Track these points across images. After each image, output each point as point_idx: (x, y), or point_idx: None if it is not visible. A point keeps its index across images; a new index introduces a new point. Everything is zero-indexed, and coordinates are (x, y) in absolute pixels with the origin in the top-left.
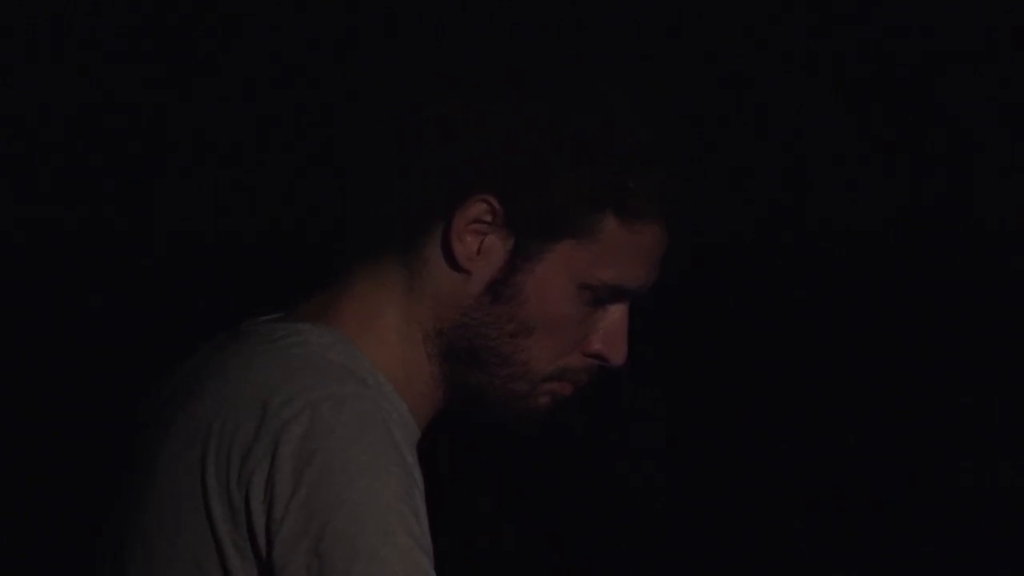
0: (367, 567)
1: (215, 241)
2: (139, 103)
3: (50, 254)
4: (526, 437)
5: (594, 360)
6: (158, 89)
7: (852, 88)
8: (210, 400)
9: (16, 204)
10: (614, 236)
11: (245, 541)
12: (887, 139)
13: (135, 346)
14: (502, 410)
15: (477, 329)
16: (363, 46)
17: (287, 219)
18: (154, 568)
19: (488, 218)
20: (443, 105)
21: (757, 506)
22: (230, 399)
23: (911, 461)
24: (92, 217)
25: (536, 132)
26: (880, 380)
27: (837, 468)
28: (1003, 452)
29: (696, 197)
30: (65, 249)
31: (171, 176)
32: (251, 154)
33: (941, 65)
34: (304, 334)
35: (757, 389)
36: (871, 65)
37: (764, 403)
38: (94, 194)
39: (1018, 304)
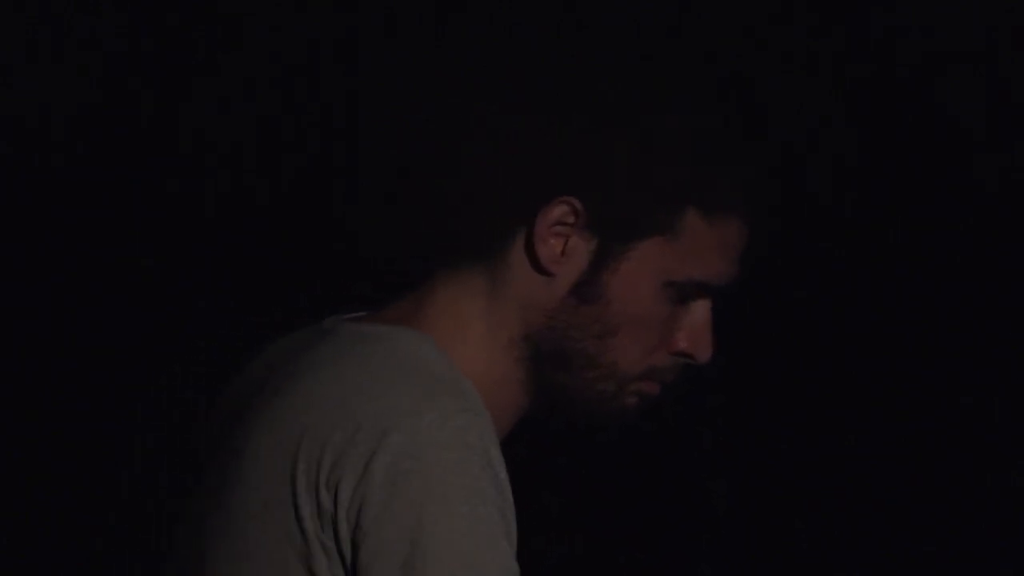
0: None
1: (215, 241)
2: (139, 103)
3: (50, 254)
4: (590, 442)
5: (680, 358)
6: (158, 89)
7: (852, 88)
8: (302, 400)
9: (16, 204)
10: (697, 231)
11: (331, 542)
12: (887, 139)
13: (135, 346)
14: (590, 412)
15: (563, 331)
16: (431, 49)
17: (287, 219)
18: (235, 562)
19: (571, 219)
20: (520, 108)
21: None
22: (324, 401)
23: (914, 461)
24: (92, 217)
25: (615, 131)
26: (883, 380)
27: (865, 468)
28: (1003, 452)
29: (773, 188)
30: (65, 249)
31: (171, 176)
32: (251, 154)
33: (941, 65)
34: (396, 339)
35: (758, 389)
36: (871, 65)
37: (764, 404)
38: (94, 194)
39: (1018, 304)
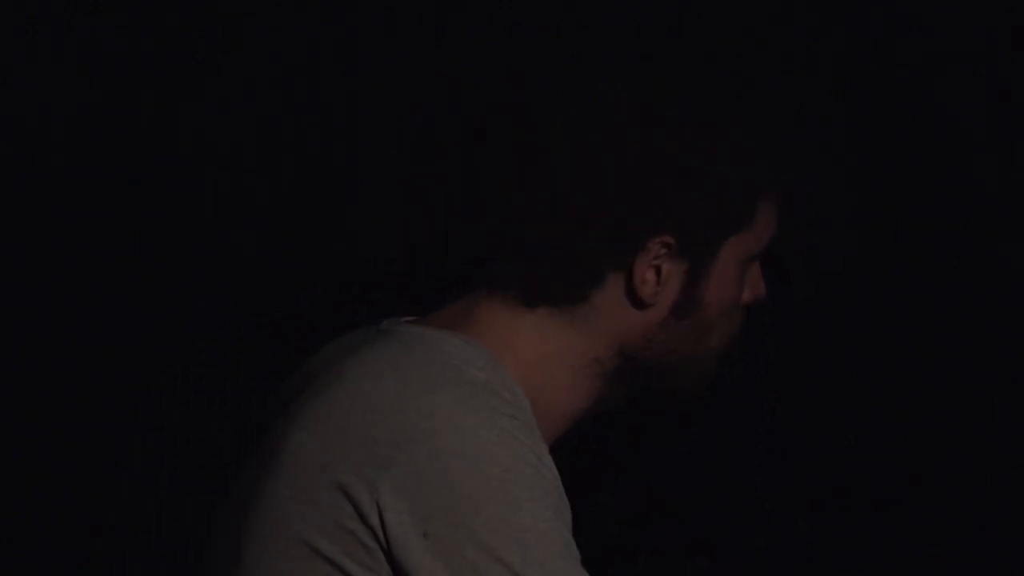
0: None
1: (215, 241)
2: (139, 103)
3: (50, 254)
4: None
5: (747, 307)
6: (158, 89)
7: (852, 88)
8: (343, 400)
9: (16, 204)
10: (765, 213)
11: (374, 542)
12: (887, 139)
13: (135, 346)
14: (684, 391)
15: (664, 346)
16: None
17: (287, 219)
18: (263, 553)
19: (664, 251)
20: (611, 156)
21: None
22: (365, 402)
23: (913, 461)
24: (92, 217)
25: (699, 155)
26: (884, 381)
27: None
28: (1003, 452)
29: (809, 147)
30: (65, 249)
31: (171, 176)
32: (251, 154)
33: (941, 65)
34: (441, 343)
35: (754, 388)
36: (871, 65)
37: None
38: (94, 194)
39: (1018, 304)
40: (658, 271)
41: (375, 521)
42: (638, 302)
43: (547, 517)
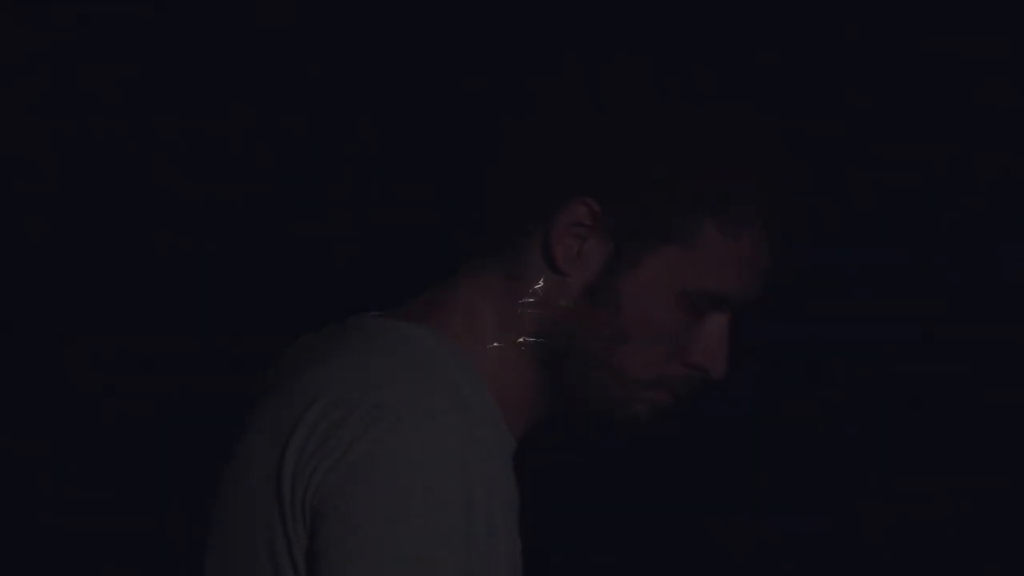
0: None
1: (215, 242)
2: (138, 103)
3: (49, 254)
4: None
5: (695, 371)
6: (157, 90)
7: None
8: (304, 389)
9: (18, 203)
10: (713, 243)
11: (303, 532)
12: (889, 141)
13: (135, 345)
14: (599, 415)
15: (573, 332)
16: (457, 49)
17: (287, 220)
18: (235, 545)
19: (588, 221)
20: (543, 108)
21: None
22: (323, 391)
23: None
24: (93, 217)
25: (637, 136)
26: (879, 381)
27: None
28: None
29: (797, 211)
30: (64, 249)
31: (172, 176)
32: (252, 154)
33: (954, 66)
34: (405, 336)
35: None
36: (870, 67)
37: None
38: (94, 195)
39: (1017, 305)
40: (582, 244)
41: (299, 508)
42: (555, 266)
43: (436, 523)
